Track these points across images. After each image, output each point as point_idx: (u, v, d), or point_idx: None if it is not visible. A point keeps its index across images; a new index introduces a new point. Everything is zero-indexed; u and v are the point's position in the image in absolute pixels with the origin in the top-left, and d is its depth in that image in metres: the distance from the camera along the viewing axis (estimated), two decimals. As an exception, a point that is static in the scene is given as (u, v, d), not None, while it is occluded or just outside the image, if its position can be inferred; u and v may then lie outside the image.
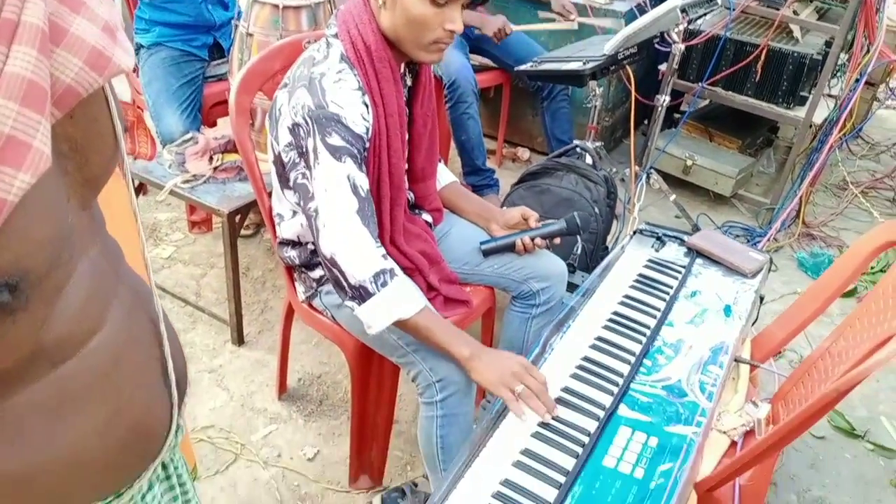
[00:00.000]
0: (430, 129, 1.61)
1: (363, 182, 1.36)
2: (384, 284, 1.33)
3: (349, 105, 1.34)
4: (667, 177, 3.10)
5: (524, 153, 3.56)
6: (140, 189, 2.19)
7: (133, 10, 2.57)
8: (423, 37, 1.35)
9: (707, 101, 3.52)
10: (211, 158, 2.16)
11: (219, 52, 2.59)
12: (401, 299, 1.34)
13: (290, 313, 1.82)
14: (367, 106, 1.37)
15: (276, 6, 1.98)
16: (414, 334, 1.38)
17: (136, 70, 2.58)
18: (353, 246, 1.33)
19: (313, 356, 2.20)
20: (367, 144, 1.39)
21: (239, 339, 2.22)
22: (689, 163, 3.16)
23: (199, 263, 2.58)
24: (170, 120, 2.34)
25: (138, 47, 2.52)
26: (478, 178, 2.92)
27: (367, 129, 1.38)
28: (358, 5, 1.39)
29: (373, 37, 1.37)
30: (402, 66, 1.50)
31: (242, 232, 2.63)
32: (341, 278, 1.34)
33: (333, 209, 1.34)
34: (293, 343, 2.20)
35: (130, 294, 0.69)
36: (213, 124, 2.46)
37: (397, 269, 1.36)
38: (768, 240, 2.83)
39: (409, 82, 1.54)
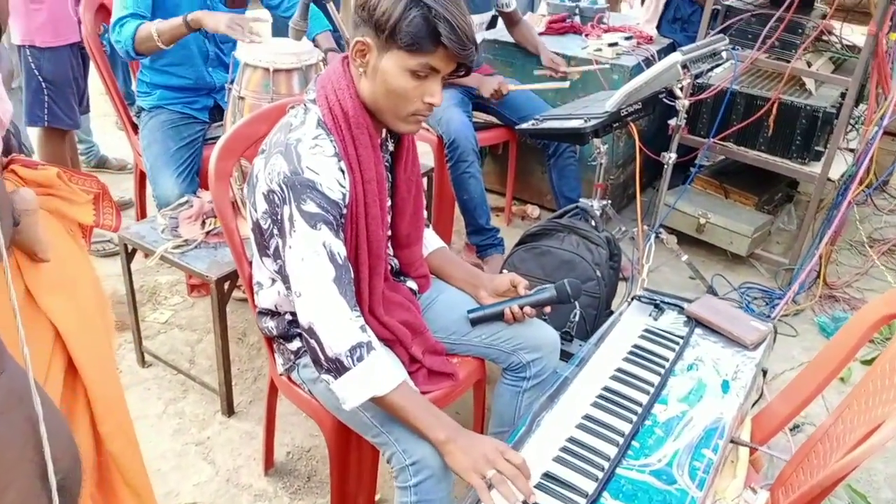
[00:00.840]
0: (415, 194, 1.60)
1: (340, 249, 1.35)
2: (360, 359, 1.30)
3: (325, 171, 1.34)
4: (680, 236, 3.05)
5: (534, 210, 3.54)
6: (134, 253, 2.20)
7: (135, 74, 2.63)
8: (401, 108, 1.35)
9: (722, 157, 3.49)
10: (204, 223, 2.18)
11: (219, 113, 2.63)
12: (376, 375, 1.30)
13: (274, 385, 1.79)
14: (343, 172, 1.37)
15: (267, 70, 2.00)
16: (390, 413, 1.34)
17: (137, 132, 2.64)
18: (330, 316, 1.31)
19: (304, 428, 2.16)
20: (345, 211, 1.38)
21: (229, 410, 2.19)
22: (702, 221, 3.11)
23: (195, 328, 2.58)
24: (166, 183, 2.37)
25: (139, 110, 2.58)
26: (481, 238, 2.90)
27: (344, 196, 1.37)
28: (337, 71, 1.40)
29: (351, 103, 1.37)
30: (384, 130, 1.49)
31: (241, 295, 2.62)
32: (318, 350, 1.32)
33: (310, 278, 1.32)
34: (284, 414, 2.16)
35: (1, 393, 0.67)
36: (213, 186, 2.48)
37: (375, 342, 1.33)
38: (787, 302, 2.74)
39: (390, 147, 1.54)
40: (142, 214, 2.91)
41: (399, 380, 1.33)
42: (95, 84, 2.89)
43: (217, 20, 2.14)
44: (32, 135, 2.95)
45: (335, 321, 1.32)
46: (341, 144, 1.37)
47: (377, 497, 1.85)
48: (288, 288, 1.37)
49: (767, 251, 3.20)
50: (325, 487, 1.93)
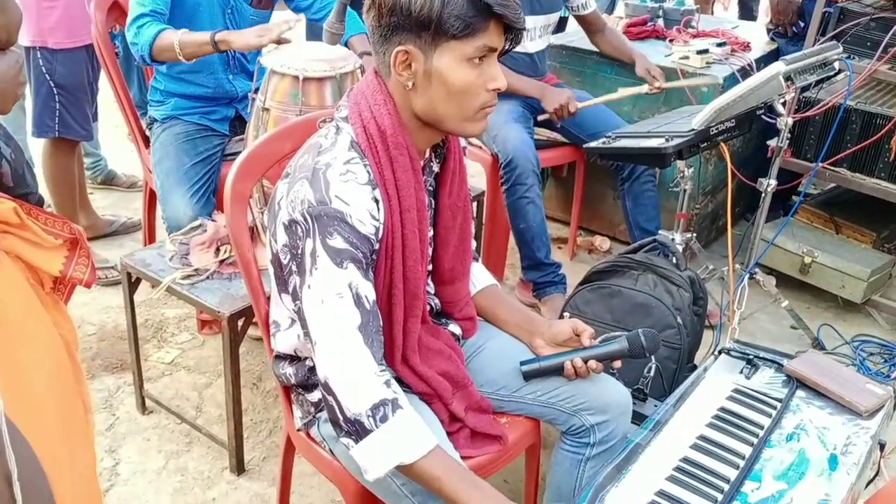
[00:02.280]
0: (462, 222, 1.60)
1: (368, 292, 1.35)
2: (384, 419, 1.29)
3: (356, 202, 1.35)
4: (780, 277, 2.99)
5: (603, 243, 3.52)
6: (138, 283, 2.25)
7: (148, 81, 2.72)
8: (468, 107, 1.37)
9: (833, 185, 3.42)
10: (218, 250, 2.22)
11: (241, 125, 2.69)
12: (404, 439, 1.29)
13: (290, 442, 1.79)
14: (377, 202, 1.38)
15: (297, 78, 2.04)
16: (420, 483, 1.32)
17: (148, 146, 2.72)
18: (351, 370, 1.31)
19: (324, 492, 2.15)
20: (377, 247, 1.39)
21: (239, 467, 2.20)
22: (807, 260, 3.04)
23: (204, 371, 2.61)
24: (178, 203, 2.43)
25: (152, 121, 2.66)
26: (540, 274, 2.89)
27: (377, 230, 1.38)
28: (371, 85, 1.41)
29: (389, 120, 1.38)
30: (428, 151, 1.51)
31: (257, 333, 2.65)
32: (336, 409, 1.32)
33: (330, 324, 1.33)
34: (302, 474, 2.17)
35: None
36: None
37: (403, 400, 1.32)
38: (911, 360, 2.65)
39: (435, 169, 1.55)
40: (150, 239, 2.99)
41: (431, 444, 1.31)
42: (105, 90, 2.99)
43: (246, 38, 2.21)
44: (36, 147, 3.07)
45: (357, 376, 1.31)
46: (377, 168, 1.38)
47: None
48: (306, 334, 1.38)
49: (888, 298, 3.10)
50: (347, 566, 1.91)
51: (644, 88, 2.91)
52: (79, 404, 1.19)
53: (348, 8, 2.19)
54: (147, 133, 2.72)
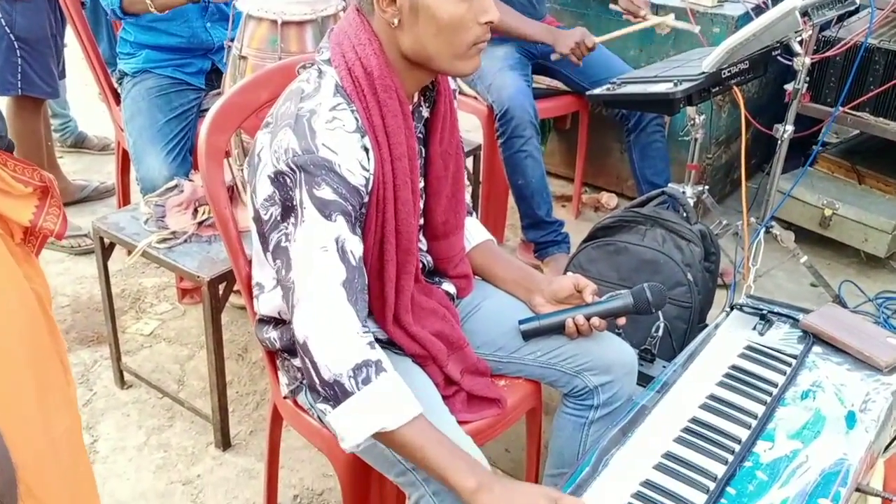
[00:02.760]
0: (454, 171, 1.60)
1: (355, 247, 1.35)
2: (367, 381, 1.29)
3: (345, 150, 1.34)
4: (799, 231, 2.99)
5: (610, 200, 3.52)
6: (111, 248, 2.25)
7: (117, 32, 2.70)
8: (458, 43, 1.37)
9: (857, 132, 3.41)
10: (196, 211, 2.22)
11: (218, 78, 2.67)
12: (387, 403, 1.29)
13: (277, 411, 1.80)
14: (367, 151, 1.37)
15: (275, 22, 2.02)
16: (402, 453, 1.33)
17: (119, 102, 2.71)
18: (333, 328, 1.31)
19: (315, 466, 2.17)
20: (366, 199, 1.39)
21: (224, 442, 2.22)
22: (828, 212, 3.04)
23: (186, 342, 2.63)
24: (153, 163, 2.42)
25: (122, 75, 2.64)
26: (541, 233, 2.89)
27: (367, 181, 1.38)
28: (354, 23, 1.40)
29: (375, 60, 1.37)
30: (416, 94, 1.50)
31: (241, 301, 2.66)
32: (313, 371, 1.31)
33: (314, 280, 1.33)
34: (292, 448, 2.18)
35: None
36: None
37: (387, 363, 1.32)
38: (936, 316, 2.66)
39: (424, 114, 1.54)
40: (124, 204, 2.98)
41: (416, 411, 1.30)
42: (73, 47, 2.97)
43: None
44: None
45: (338, 334, 1.31)
46: (365, 114, 1.37)
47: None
48: (284, 294, 1.38)
49: (914, 252, 3.11)
50: (340, 541, 1.94)
51: (660, 20, 2.85)
52: (56, 362, 1.19)
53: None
54: (117, 89, 2.70)
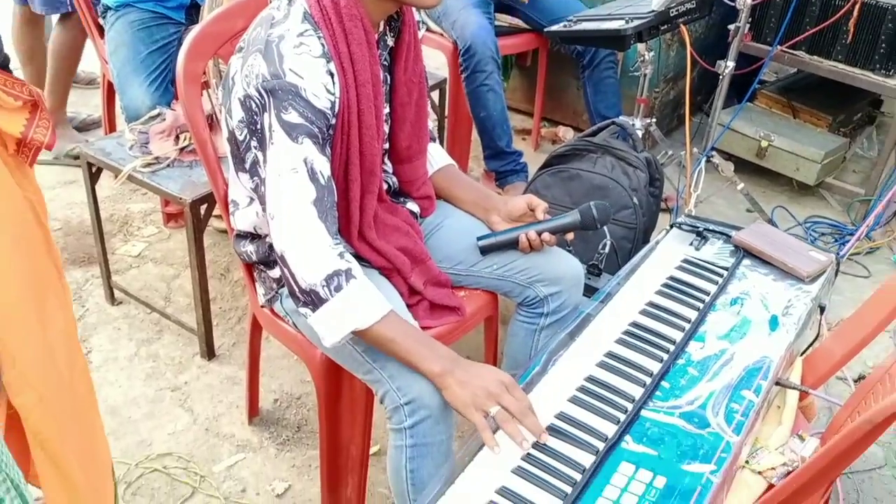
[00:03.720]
0: (417, 98, 1.59)
1: (323, 167, 1.35)
2: (338, 288, 1.31)
3: (311, 75, 1.33)
4: (738, 162, 3.02)
5: (567, 133, 3.51)
6: (98, 173, 2.23)
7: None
8: None
9: (795, 70, 3.42)
10: (178, 138, 2.19)
11: (198, 13, 2.61)
12: (358, 306, 1.32)
13: (256, 321, 1.82)
14: (332, 76, 1.36)
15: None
16: (378, 348, 1.36)
17: (102, 35, 2.64)
18: (306, 243, 1.33)
19: (294, 373, 2.20)
20: (333, 122, 1.38)
21: (209, 353, 2.23)
22: (764, 144, 3.07)
23: (172, 262, 2.62)
24: (136, 93, 2.38)
25: (105, 9, 2.56)
26: (501, 163, 2.89)
27: (333, 104, 1.37)
28: None
29: None
30: (381, 24, 1.48)
31: (222, 225, 2.65)
32: (292, 280, 1.34)
33: (286, 198, 1.33)
34: (272, 357, 2.21)
35: None
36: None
37: (357, 270, 1.34)
38: (859, 238, 2.71)
39: (389, 42, 1.53)
40: (110, 131, 2.93)
41: (384, 310, 1.34)
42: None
43: None
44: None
45: (311, 248, 1.33)
46: (331, 41, 1.35)
47: (374, 449, 1.90)
48: (264, 209, 1.39)
49: (841, 180, 3.16)
50: (315, 438, 1.98)
51: None
52: (50, 267, 1.19)
53: None
54: (101, 22, 2.63)
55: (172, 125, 2.19)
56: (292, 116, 1.32)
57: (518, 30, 3.07)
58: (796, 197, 3.12)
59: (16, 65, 2.97)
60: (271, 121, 1.32)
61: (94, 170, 2.20)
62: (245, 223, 1.56)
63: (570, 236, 1.64)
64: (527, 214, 1.66)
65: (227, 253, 2.65)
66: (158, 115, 2.24)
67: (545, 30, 2.61)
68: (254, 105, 1.34)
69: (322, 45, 1.35)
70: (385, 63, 1.52)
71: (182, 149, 2.15)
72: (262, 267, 1.59)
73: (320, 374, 1.58)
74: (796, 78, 3.45)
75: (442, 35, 2.92)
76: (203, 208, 2.06)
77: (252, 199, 1.53)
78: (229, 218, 1.61)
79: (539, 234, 1.61)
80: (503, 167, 2.89)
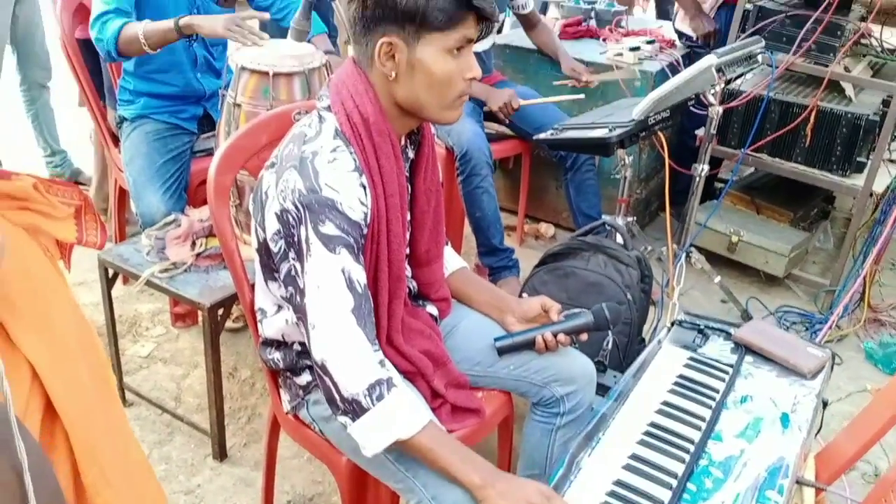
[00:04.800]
0: (435, 205, 1.58)
1: (360, 276, 1.32)
2: (380, 398, 1.26)
3: (346, 188, 1.31)
4: (710, 255, 3.04)
5: (548, 229, 3.53)
6: (115, 278, 2.16)
7: (116, 80, 2.61)
8: (447, 96, 1.36)
9: (752, 169, 3.49)
10: (194, 244, 2.14)
11: (209, 123, 2.61)
12: (400, 415, 1.27)
13: (275, 425, 1.74)
14: (364, 188, 1.35)
15: (266, 73, 1.98)
16: (416, 456, 1.30)
17: (117, 145, 2.61)
18: (347, 352, 1.28)
19: (306, 473, 2.10)
20: (365, 231, 1.36)
21: (221, 454, 2.13)
22: (734, 239, 3.10)
23: (181, 363, 2.53)
24: (151, 200, 2.34)
25: (121, 120, 2.55)
26: (495, 259, 2.88)
27: (366, 215, 1.35)
28: (352, 74, 1.38)
29: (371, 108, 1.35)
30: (403, 137, 1.48)
31: (230, 325, 2.58)
32: (333, 390, 1.28)
33: (326, 309, 1.30)
34: (283, 457, 2.11)
35: None
36: (201, 203, 2.44)
37: (396, 378, 1.30)
38: (830, 327, 2.72)
39: (410, 154, 1.52)
40: (120, 236, 2.87)
41: (425, 420, 1.29)
42: (64, 94, 2.84)
43: (213, 24, 2.11)
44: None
45: (352, 357, 1.29)
46: (362, 156, 1.35)
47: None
48: (299, 318, 1.35)
49: (804, 272, 3.18)
50: (331, 539, 1.88)
51: (581, 96, 2.92)
52: (98, 354, 1.18)
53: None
54: (116, 132, 2.61)
55: (188, 231, 2.14)
56: (329, 229, 1.29)
57: (504, 136, 3.12)
58: (765, 287, 3.14)
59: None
60: (308, 233, 1.29)
61: (110, 275, 2.14)
62: (273, 331, 1.51)
63: (582, 337, 1.61)
64: (540, 316, 1.63)
65: (234, 352, 2.57)
66: (174, 220, 2.20)
67: (534, 137, 2.64)
68: (291, 218, 1.31)
69: (354, 159, 1.34)
70: (406, 174, 1.51)
71: (198, 254, 2.09)
72: (288, 374, 1.53)
73: (346, 482, 1.51)
74: (756, 177, 3.52)
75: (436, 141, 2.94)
76: (220, 312, 1.99)
77: (279, 308, 1.48)
78: (256, 325, 1.55)
79: (554, 335, 1.57)
80: (497, 263, 2.88)
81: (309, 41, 2.40)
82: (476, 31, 1.34)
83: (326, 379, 1.29)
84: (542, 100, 2.98)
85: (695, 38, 3.36)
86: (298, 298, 1.33)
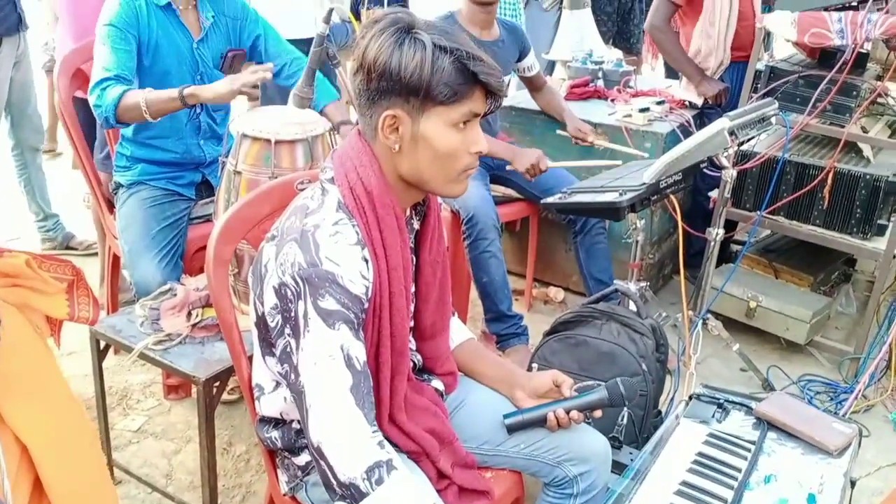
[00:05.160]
0: (441, 277, 1.60)
1: (360, 353, 1.32)
2: (380, 481, 1.25)
3: (347, 262, 1.33)
4: (728, 322, 3.04)
5: (557, 294, 3.53)
6: (106, 350, 2.16)
7: (113, 146, 2.65)
8: (451, 170, 1.38)
9: (769, 231, 3.51)
10: (189, 314, 2.14)
11: (207, 189, 2.64)
12: (400, 499, 1.25)
13: (272, 505, 1.72)
14: (367, 262, 1.36)
15: (268, 141, 2.02)
16: None
17: (112, 211, 2.64)
18: (344, 433, 1.27)
19: (302, 554, 2.06)
20: (366, 306, 1.37)
21: (214, 535, 2.10)
22: (752, 304, 3.09)
23: (172, 437, 2.51)
24: (146, 269, 2.34)
25: (117, 186, 2.58)
26: (503, 326, 2.87)
27: (367, 289, 1.36)
28: (356, 147, 1.40)
29: (375, 181, 1.37)
30: (408, 209, 1.50)
31: (226, 396, 2.57)
32: (329, 474, 1.27)
33: (323, 387, 1.29)
34: (279, 538, 2.08)
35: None
36: (198, 271, 2.45)
37: (396, 460, 1.28)
38: (856, 397, 2.70)
39: (416, 225, 1.54)
40: (113, 306, 2.87)
41: (428, 502, 1.27)
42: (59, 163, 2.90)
43: (217, 90, 2.16)
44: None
45: (350, 439, 1.28)
46: (365, 229, 1.36)
47: None
48: (294, 397, 1.35)
49: (827, 338, 3.17)
50: None
51: (618, 163, 2.96)
52: (87, 431, 1.20)
53: (320, 75, 2.18)
54: (111, 198, 2.64)
55: (184, 301, 2.15)
56: (329, 303, 1.30)
57: (511, 199, 3.15)
58: (787, 355, 3.12)
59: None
60: (307, 308, 1.30)
61: (101, 346, 2.14)
62: (271, 409, 1.51)
63: (596, 413, 1.60)
64: (552, 391, 1.62)
65: (228, 426, 2.55)
66: (169, 290, 2.20)
67: (542, 202, 2.67)
68: (289, 293, 1.32)
69: (356, 232, 1.36)
70: (411, 245, 1.53)
71: (194, 325, 2.10)
72: (286, 454, 1.52)
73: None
74: (773, 239, 3.53)
75: (440, 205, 2.97)
76: (216, 386, 1.98)
77: (278, 384, 1.48)
78: (253, 402, 1.55)
79: (567, 411, 1.56)
80: (505, 330, 2.88)
81: (321, 110, 2.44)
82: (484, 105, 1.37)
83: (323, 462, 1.28)
84: (572, 163, 3.02)
85: (703, 103, 3.42)
86: (294, 377, 1.32)
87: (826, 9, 2.86)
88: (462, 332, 1.75)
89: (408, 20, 1.32)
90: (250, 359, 1.58)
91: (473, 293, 3.03)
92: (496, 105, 1.40)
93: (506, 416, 1.60)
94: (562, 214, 3.06)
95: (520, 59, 3.12)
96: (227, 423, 2.55)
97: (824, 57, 3.01)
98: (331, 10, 2.06)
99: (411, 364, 1.58)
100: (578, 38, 4.11)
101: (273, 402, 1.50)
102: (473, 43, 1.36)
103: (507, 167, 2.95)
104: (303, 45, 3.04)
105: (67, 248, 3.73)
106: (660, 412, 2.29)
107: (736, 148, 2.55)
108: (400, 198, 1.42)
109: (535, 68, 3.21)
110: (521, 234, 3.53)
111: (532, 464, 1.62)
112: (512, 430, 1.60)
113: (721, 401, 1.69)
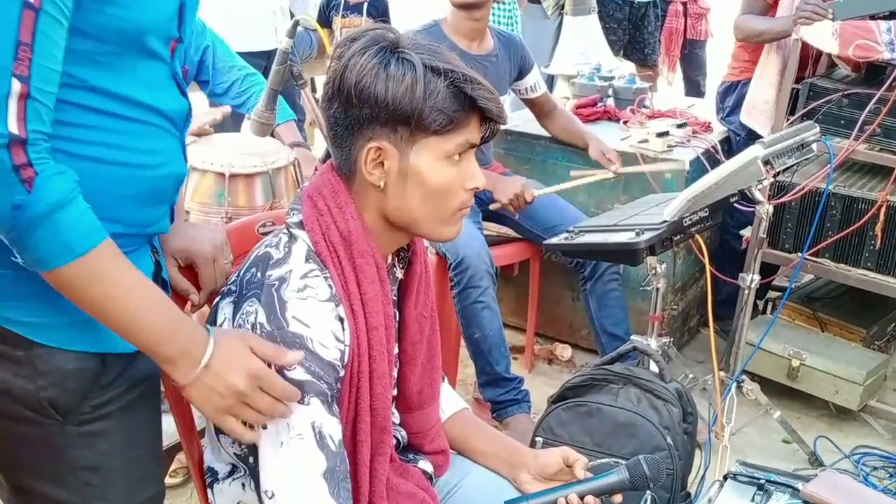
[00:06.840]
0: (429, 334, 1.61)
1: (334, 430, 1.33)
2: None
3: (317, 322, 1.33)
4: (767, 384, 3.05)
5: (564, 351, 3.55)
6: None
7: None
8: (444, 209, 1.40)
9: (813, 276, 3.55)
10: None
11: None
12: None
13: None
14: (342, 321, 1.36)
15: (222, 175, 2.03)
16: None
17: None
18: None
19: None
20: (342, 374, 1.37)
21: None
22: (795, 363, 3.11)
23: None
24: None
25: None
26: (499, 392, 2.87)
27: (342, 354, 1.36)
28: (329, 184, 1.41)
29: (352, 224, 1.38)
30: (390, 255, 1.51)
31: (169, 480, 2.54)
32: None
33: (289, 472, 1.30)
34: None
35: None
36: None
37: None
38: (921, 474, 2.72)
39: (399, 275, 1.55)
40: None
41: None
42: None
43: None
44: None
45: None
46: (340, 282, 1.37)
47: None
48: (257, 485, 1.34)
49: (884, 402, 3.19)
50: None
51: (609, 174, 3.00)
52: None
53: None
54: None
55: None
56: (297, 373, 1.30)
57: (508, 239, 3.18)
58: (836, 423, 3.14)
59: None
60: None
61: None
62: (226, 499, 1.49)
63: (616, 499, 1.60)
64: (563, 471, 1.62)
65: (171, 513, 2.52)
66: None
67: (544, 243, 2.70)
68: None
69: (330, 286, 1.36)
70: (394, 298, 1.53)
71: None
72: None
73: None
74: (817, 285, 3.57)
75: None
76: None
77: (235, 468, 1.47)
78: (205, 490, 1.54)
79: (581, 497, 1.56)
80: (502, 396, 2.87)
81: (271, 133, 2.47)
82: (479, 133, 1.40)
83: None
84: (561, 186, 3.05)
85: None
86: (252, 459, 1.32)
87: (873, 17, 2.93)
88: (454, 402, 1.76)
89: (392, 37, 1.34)
90: (201, 434, 1.58)
91: (464, 352, 3.04)
92: (493, 133, 1.43)
93: (508, 503, 1.60)
94: (568, 258, 3.08)
95: (520, 78, 3.17)
96: (171, 511, 2.53)
97: (872, 72, 3.08)
98: (296, 23, 2.09)
99: (394, 442, 1.58)
100: (584, 48, 4.19)
101: (228, 494, 1.49)
102: (460, 57, 1.39)
103: (492, 206, 2.98)
104: (258, 58, 3.09)
105: None
106: (689, 494, 2.30)
107: (772, 179, 2.60)
108: (381, 243, 1.43)
109: (541, 88, 3.24)
110: (519, 280, 3.55)
111: (540, 560, 1.61)
112: (515, 520, 1.60)
113: (761, 481, 1.71)
